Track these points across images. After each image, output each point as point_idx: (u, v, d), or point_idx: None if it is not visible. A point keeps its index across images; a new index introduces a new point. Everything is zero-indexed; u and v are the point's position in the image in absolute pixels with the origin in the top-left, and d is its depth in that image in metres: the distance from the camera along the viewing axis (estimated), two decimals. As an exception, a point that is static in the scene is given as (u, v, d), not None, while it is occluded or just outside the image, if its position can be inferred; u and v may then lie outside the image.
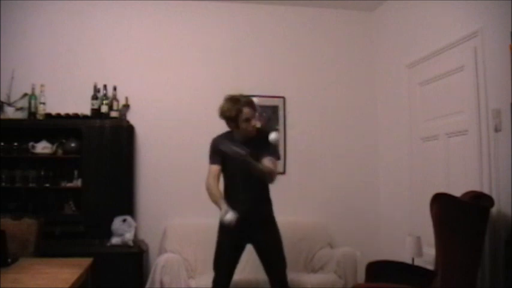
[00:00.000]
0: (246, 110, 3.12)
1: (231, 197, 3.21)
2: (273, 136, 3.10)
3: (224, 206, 3.01)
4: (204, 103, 4.59)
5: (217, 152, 3.20)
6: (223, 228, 3.19)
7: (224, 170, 3.27)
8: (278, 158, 3.32)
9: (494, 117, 3.10)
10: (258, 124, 3.13)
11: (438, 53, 3.75)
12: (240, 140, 3.16)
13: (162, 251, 4.13)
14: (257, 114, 3.25)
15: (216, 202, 3.12)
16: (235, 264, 3.29)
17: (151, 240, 4.31)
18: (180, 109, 4.57)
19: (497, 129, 3.08)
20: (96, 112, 4.25)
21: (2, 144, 4.04)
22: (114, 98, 4.33)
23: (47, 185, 4.11)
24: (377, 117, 4.88)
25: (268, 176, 3.17)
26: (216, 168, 3.22)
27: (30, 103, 4.17)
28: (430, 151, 3.89)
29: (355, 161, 4.83)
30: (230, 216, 2.94)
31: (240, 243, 3.29)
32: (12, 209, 3.91)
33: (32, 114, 4.16)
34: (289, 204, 4.18)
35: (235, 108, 3.12)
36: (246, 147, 3.00)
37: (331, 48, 4.92)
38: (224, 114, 3.19)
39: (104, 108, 4.27)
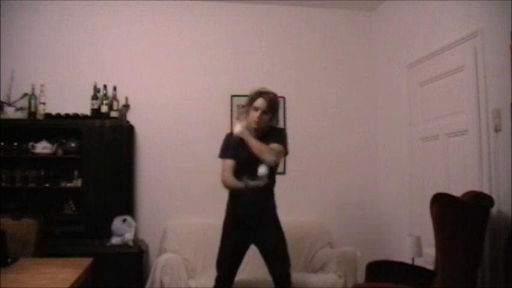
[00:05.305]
0: (260, 101, 3.20)
1: (236, 198, 3.24)
2: (262, 170, 3.09)
3: (245, 180, 3.05)
4: (204, 103, 4.61)
5: (232, 148, 3.24)
6: (228, 227, 3.27)
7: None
8: (286, 151, 3.34)
9: (494, 117, 3.10)
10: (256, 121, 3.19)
11: (438, 53, 3.75)
12: (250, 132, 3.22)
13: (162, 251, 4.13)
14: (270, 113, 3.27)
15: (237, 188, 3.15)
16: (238, 264, 3.31)
17: (151, 240, 4.31)
18: (180, 109, 4.57)
19: (497, 129, 3.08)
20: (96, 112, 4.25)
21: (2, 144, 4.04)
22: (114, 98, 4.33)
23: (47, 185, 4.11)
24: (377, 117, 4.88)
25: (271, 154, 3.13)
26: (230, 162, 3.24)
27: (30, 103, 4.18)
28: (430, 151, 3.89)
29: (355, 161, 4.83)
30: (262, 170, 3.04)
31: (244, 244, 3.31)
32: (12, 209, 3.91)
33: (32, 114, 4.16)
34: (289, 204, 4.15)
35: (252, 95, 3.25)
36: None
37: (331, 48, 4.92)
38: (247, 101, 3.31)
39: (104, 108, 4.27)
